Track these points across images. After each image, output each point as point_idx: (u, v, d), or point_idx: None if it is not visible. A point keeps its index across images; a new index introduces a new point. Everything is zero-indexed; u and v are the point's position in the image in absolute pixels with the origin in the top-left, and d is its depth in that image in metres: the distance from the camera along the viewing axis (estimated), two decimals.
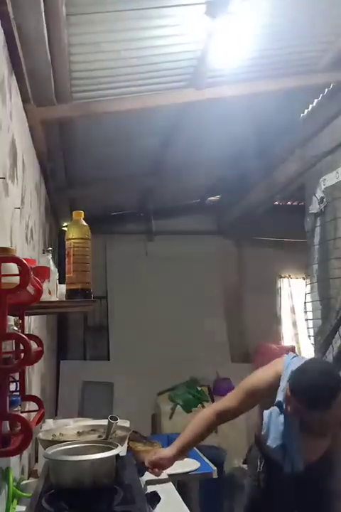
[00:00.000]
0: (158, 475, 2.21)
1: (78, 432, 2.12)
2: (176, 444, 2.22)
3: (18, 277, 1.16)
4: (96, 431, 2.10)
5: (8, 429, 1.19)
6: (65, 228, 3.81)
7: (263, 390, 2.13)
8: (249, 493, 2.37)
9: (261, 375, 2.19)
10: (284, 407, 2.03)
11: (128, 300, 5.66)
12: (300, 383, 1.93)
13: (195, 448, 3.22)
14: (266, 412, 2.09)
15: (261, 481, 2.26)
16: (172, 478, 2.38)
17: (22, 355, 1.17)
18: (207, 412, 2.26)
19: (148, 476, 2.13)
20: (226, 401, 2.23)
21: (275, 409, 2.07)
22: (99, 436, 2.00)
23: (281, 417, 2.05)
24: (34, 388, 2.98)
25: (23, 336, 1.20)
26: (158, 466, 2.20)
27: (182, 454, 2.31)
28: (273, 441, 2.05)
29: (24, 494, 1.93)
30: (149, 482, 2.06)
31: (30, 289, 1.30)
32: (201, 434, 2.21)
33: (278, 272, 6.36)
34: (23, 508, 1.77)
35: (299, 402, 1.92)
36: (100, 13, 2.25)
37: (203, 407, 4.67)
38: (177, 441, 2.23)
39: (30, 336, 1.60)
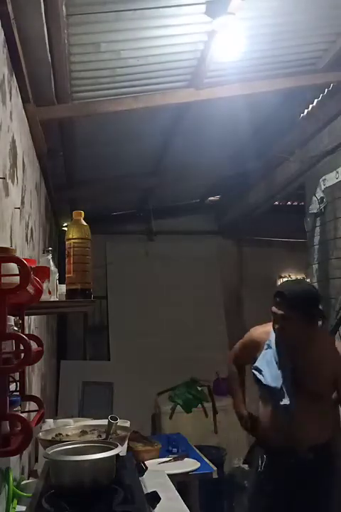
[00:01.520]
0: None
1: (78, 432, 2.12)
2: (241, 405, 2.48)
3: (18, 277, 1.16)
4: (96, 431, 2.10)
5: (8, 429, 1.19)
6: (65, 228, 3.81)
7: (255, 341, 2.38)
8: (250, 493, 2.37)
9: (258, 329, 2.45)
10: (273, 333, 2.22)
11: (128, 300, 5.66)
12: (282, 286, 2.34)
13: (195, 448, 3.24)
14: (259, 357, 2.28)
15: (261, 481, 2.26)
16: (172, 478, 2.38)
17: (22, 355, 1.17)
18: (229, 369, 2.59)
19: (148, 475, 2.13)
20: (234, 348, 2.59)
21: (267, 351, 2.26)
22: (99, 436, 2.00)
23: (274, 362, 2.21)
24: (34, 388, 2.98)
25: (23, 336, 1.19)
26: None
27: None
28: (273, 381, 2.19)
29: (24, 494, 1.93)
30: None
31: (30, 289, 1.30)
32: (242, 381, 2.55)
33: (278, 272, 6.36)
34: (23, 508, 1.77)
35: (280, 303, 2.12)
36: (100, 13, 2.25)
37: (203, 407, 4.70)
38: (238, 401, 2.50)
39: (30, 336, 1.60)
